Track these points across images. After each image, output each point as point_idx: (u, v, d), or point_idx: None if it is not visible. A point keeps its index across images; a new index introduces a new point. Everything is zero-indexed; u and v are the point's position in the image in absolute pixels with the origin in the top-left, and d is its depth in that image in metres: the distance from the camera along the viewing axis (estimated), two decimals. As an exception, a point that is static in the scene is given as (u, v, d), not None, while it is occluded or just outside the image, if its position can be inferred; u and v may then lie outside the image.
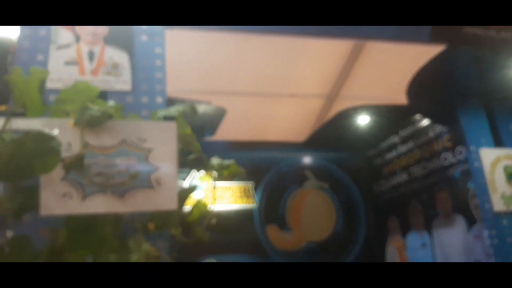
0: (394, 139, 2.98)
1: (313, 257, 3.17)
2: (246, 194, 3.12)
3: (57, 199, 0.88)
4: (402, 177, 2.95)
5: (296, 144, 3.14)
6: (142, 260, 0.97)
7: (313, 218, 3.22)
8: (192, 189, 1.01)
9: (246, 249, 3.01)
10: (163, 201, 0.92)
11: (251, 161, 3.14)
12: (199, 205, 1.09)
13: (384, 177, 3.15)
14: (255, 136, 3.02)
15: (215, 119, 2.58)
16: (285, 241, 3.14)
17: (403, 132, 2.88)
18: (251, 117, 2.68)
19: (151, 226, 0.98)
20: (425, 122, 2.67)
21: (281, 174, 3.22)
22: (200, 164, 1.12)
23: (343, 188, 3.30)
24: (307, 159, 3.30)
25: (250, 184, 3.11)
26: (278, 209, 3.16)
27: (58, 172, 0.88)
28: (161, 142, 0.95)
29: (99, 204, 0.90)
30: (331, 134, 2.96)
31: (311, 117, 2.79)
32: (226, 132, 2.76)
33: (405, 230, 2.91)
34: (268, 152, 3.24)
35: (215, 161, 1.14)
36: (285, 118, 2.79)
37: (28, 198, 1.01)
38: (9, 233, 1.09)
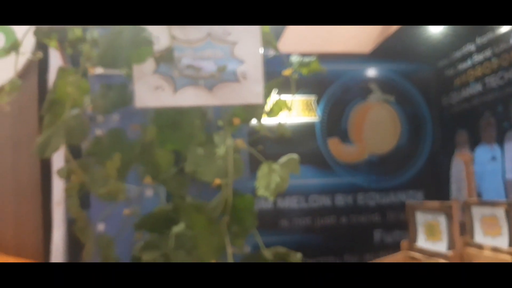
0: (470, 47, 2.79)
1: (375, 169, 3.18)
2: (308, 107, 3.11)
3: (150, 92, 0.92)
4: (476, 88, 2.79)
5: (362, 55, 3.02)
6: (230, 153, 1.00)
7: (376, 131, 3.18)
8: (276, 83, 1.01)
9: (309, 161, 3.06)
10: (249, 95, 0.94)
11: (314, 74, 3.09)
12: (279, 102, 1.10)
13: (455, 89, 3.00)
14: (318, 47, 2.93)
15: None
16: (346, 154, 3.15)
17: (480, 40, 2.69)
18: (314, 27, 2.58)
19: (236, 121, 1.01)
20: (506, 28, 2.46)
21: (344, 87, 3.15)
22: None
23: (409, 101, 3.20)
24: (372, 71, 3.19)
25: (312, 98, 3.08)
26: (341, 122, 3.14)
27: (150, 65, 0.90)
28: (245, 36, 0.94)
29: (190, 97, 0.92)
30: (399, 44, 2.81)
31: (377, 26, 2.65)
32: (287, 44, 2.69)
33: (474, 143, 2.82)
34: (331, 64, 3.15)
35: (294, 58, 1.12)
36: (350, 27, 2.66)
37: (119, 95, 1.05)
38: (100, 131, 1.16)
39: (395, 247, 2.24)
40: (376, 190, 3.15)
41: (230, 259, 0.88)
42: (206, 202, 0.93)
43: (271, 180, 0.98)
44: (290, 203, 3.05)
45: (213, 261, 0.98)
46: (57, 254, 1.32)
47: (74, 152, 1.11)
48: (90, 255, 0.98)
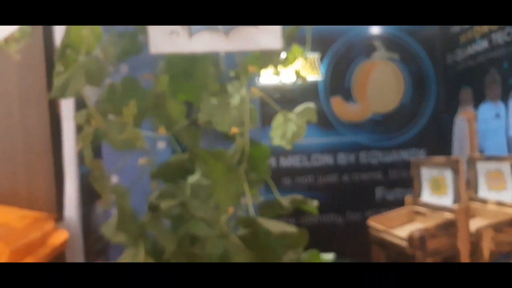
0: (478, 2, 2.72)
1: (378, 128, 3.17)
2: (311, 65, 3.06)
3: (165, 37, 0.89)
4: (482, 45, 2.76)
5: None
6: (245, 102, 0.98)
7: (380, 90, 3.16)
8: (293, 30, 0.99)
9: (312, 119, 3.04)
10: (267, 41, 0.91)
11: (317, 31, 3.03)
12: (295, 50, 1.08)
13: (460, 46, 2.96)
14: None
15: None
16: (349, 113, 3.14)
17: (489, -6, 2.62)
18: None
19: (251, 68, 0.99)
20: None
21: (348, 45, 3.10)
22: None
23: (414, 58, 3.16)
24: (376, 29, 3.13)
25: (315, 55, 3.04)
26: (344, 80, 3.11)
27: (164, 9, 0.87)
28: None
29: (205, 42, 0.90)
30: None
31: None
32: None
33: (478, 101, 2.81)
34: (335, 21, 3.08)
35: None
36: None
37: (131, 43, 1.03)
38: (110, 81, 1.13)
39: (397, 205, 2.26)
40: (378, 148, 3.16)
41: (250, 207, 0.89)
42: (224, 149, 0.92)
43: (287, 129, 0.97)
44: (293, 162, 3.07)
45: (230, 209, 0.99)
46: (71, 207, 1.33)
47: (81, 104, 1.09)
48: (108, 204, 0.98)
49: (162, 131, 1.03)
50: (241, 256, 0.82)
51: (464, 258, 1.78)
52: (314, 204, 0.97)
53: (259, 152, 0.98)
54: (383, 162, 3.10)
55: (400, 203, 2.25)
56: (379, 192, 3.08)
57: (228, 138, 1.03)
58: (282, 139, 0.97)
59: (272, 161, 2.96)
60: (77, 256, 1.23)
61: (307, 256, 1.01)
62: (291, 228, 0.82)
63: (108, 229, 1.09)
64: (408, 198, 2.19)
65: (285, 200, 0.98)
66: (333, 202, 3.01)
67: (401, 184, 3.03)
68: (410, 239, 1.76)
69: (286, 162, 3.05)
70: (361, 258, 2.04)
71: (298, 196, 0.98)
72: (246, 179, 0.92)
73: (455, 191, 1.88)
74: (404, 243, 1.79)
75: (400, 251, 1.87)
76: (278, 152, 2.94)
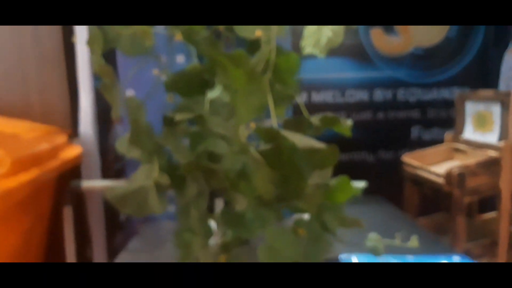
0: None
1: (419, 63, 2.96)
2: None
3: None
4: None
5: None
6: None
7: (424, 21, 2.91)
8: None
9: (348, 52, 2.87)
10: None
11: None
12: None
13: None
14: None
15: None
16: (389, 46, 2.92)
17: None
18: None
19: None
20: None
21: (392, -30, 2.83)
22: None
23: (465, -14, 2.86)
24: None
25: (355, -18, 2.80)
26: (385, 10, 2.87)
27: None
28: None
29: None
30: None
31: None
32: None
33: (533, 35, 2.55)
34: None
35: None
36: None
37: None
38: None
39: (433, 145, 2.12)
40: (418, 85, 2.96)
41: (274, 122, 0.79)
42: (246, 54, 0.81)
43: (321, 35, 0.85)
44: (326, 97, 2.92)
45: (251, 123, 0.89)
46: (86, 123, 1.27)
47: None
48: (117, 116, 0.90)
49: (178, 37, 0.92)
50: (261, 173, 0.73)
51: (505, 198, 1.66)
52: (347, 123, 0.85)
53: (287, 63, 0.86)
54: (422, 100, 2.92)
55: (436, 143, 2.12)
56: (415, 132, 2.92)
57: (252, 48, 0.91)
58: (315, 46, 0.85)
59: (304, 96, 2.83)
60: (93, 173, 1.19)
61: (335, 182, 0.91)
62: (319, 144, 0.72)
63: (122, 144, 1.02)
64: (448, 135, 2.04)
65: (315, 119, 0.87)
66: (367, 140, 2.88)
67: (439, 124, 2.85)
68: (448, 176, 1.64)
69: (318, 97, 2.90)
70: (393, 196, 1.95)
71: (329, 114, 0.87)
72: (271, 92, 0.81)
73: (502, 127, 1.72)
74: (441, 180, 1.68)
75: (436, 189, 1.76)
76: (310, 86, 2.80)
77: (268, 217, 0.84)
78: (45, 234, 1.11)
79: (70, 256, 1.11)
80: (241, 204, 0.84)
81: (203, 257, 0.81)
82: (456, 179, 1.63)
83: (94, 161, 1.19)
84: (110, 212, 1.30)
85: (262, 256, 0.79)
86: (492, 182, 1.67)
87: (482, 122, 1.82)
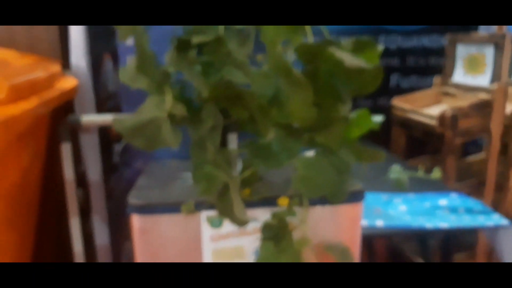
0: None
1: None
2: None
3: None
4: None
5: None
6: None
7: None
8: None
9: None
10: None
11: None
12: None
13: None
14: None
15: None
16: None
17: None
18: None
19: None
20: None
21: None
22: None
23: None
24: None
25: None
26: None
27: None
28: None
29: None
30: None
31: None
32: None
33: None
34: None
35: None
36: None
37: None
38: None
39: (411, 91, 2.13)
40: (398, 32, 2.93)
41: (310, 38, 0.73)
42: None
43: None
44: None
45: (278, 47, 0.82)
46: (78, 53, 1.15)
47: None
48: (125, 38, 0.81)
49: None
50: (300, 96, 0.67)
51: (495, 140, 1.69)
52: (379, 48, 0.80)
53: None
54: (402, 48, 2.90)
55: (413, 90, 2.13)
56: (393, 79, 2.93)
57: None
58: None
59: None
60: (87, 107, 1.09)
61: (356, 115, 0.87)
62: (365, 63, 0.67)
63: (127, 74, 0.92)
64: (436, 79, 2.04)
65: (347, 42, 0.81)
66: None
67: (417, 71, 2.87)
68: (442, 117, 1.65)
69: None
70: (376, 141, 1.95)
71: (364, 37, 0.81)
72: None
73: (494, 69, 1.73)
74: (434, 122, 1.68)
75: (426, 131, 1.77)
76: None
77: (295, 147, 0.80)
78: (44, 172, 1.03)
79: (70, 196, 1.04)
80: (267, 134, 0.79)
81: (232, 188, 0.77)
82: (449, 120, 1.63)
83: (89, 96, 1.09)
84: (107, 150, 1.22)
85: (297, 185, 0.75)
86: (483, 124, 1.69)
87: (473, 65, 1.82)
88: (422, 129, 1.81)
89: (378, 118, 0.95)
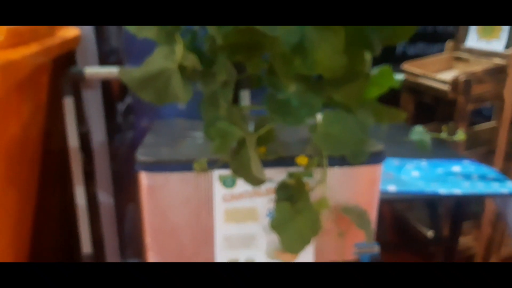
0: None
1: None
2: None
3: None
4: None
5: None
6: None
7: None
8: None
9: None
10: None
11: None
12: None
13: None
14: None
15: None
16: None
17: None
18: None
19: None
20: None
21: None
22: None
23: None
24: None
25: None
26: None
27: None
28: None
29: None
30: None
31: None
32: None
33: None
34: None
35: None
36: None
37: None
38: None
39: (417, 58, 2.07)
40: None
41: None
42: None
43: None
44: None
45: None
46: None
47: None
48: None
49: None
50: (328, 41, 0.62)
51: (508, 107, 1.64)
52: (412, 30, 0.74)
53: None
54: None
55: (420, 56, 2.07)
56: (400, 46, 2.86)
57: None
58: None
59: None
60: (90, 60, 1.03)
61: (377, 71, 0.82)
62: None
63: (133, 23, 0.86)
64: (449, 43, 1.97)
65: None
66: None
67: (425, 38, 2.79)
68: (455, 82, 1.59)
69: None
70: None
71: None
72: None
73: (510, 34, 1.67)
74: (446, 87, 1.63)
75: (438, 97, 1.72)
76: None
77: (316, 103, 0.75)
78: (45, 128, 0.98)
79: (73, 155, 0.99)
80: (288, 87, 0.74)
81: (249, 145, 0.72)
82: (462, 85, 1.58)
83: (91, 48, 1.02)
84: (110, 109, 1.17)
85: (318, 141, 0.70)
86: (496, 90, 1.64)
87: (488, 29, 1.76)
88: (432, 95, 1.76)
89: (399, 76, 0.90)
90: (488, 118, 1.92)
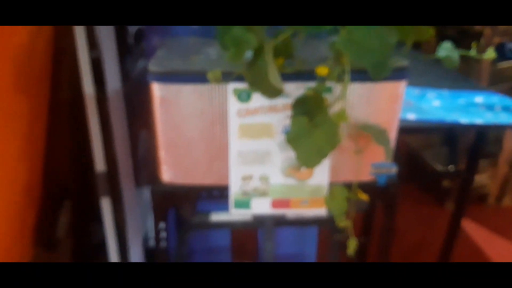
0: None
1: None
2: None
3: None
4: None
5: None
6: None
7: None
8: None
9: None
10: None
11: None
12: None
13: None
14: None
15: None
16: None
17: None
18: None
19: None
20: None
21: None
22: None
23: None
24: None
25: None
26: None
27: None
28: None
29: None
30: None
31: None
32: None
33: None
34: None
35: None
36: None
37: None
38: None
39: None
40: None
41: None
42: None
43: None
44: None
45: None
46: None
47: None
48: None
49: None
50: None
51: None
52: None
53: None
54: None
55: None
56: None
57: None
58: None
59: None
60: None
61: None
62: None
63: None
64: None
65: None
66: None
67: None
68: (483, 13, 1.51)
69: None
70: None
71: None
72: None
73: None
74: (473, 18, 1.55)
75: (462, 30, 1.64)
76: None
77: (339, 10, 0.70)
78: (52, 40, 0.95)
79: (84, 65, 0.96)
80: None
81: (266, 52, 0.68)
82: (490, 17, 1.50)
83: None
84: (121, 28, 1.13)
85: (342, 46, 0.66)
86: (525, 24, 1.55)
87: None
88: (457, 27, 1.68)
89: None
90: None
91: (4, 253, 0.94)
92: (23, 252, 1.03)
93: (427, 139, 1.87)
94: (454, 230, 1.50)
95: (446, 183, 1.82)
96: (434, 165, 1.80)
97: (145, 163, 1.29)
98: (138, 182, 1.21)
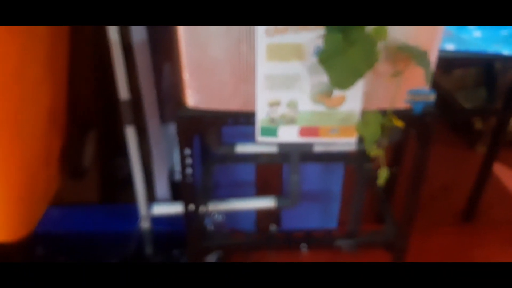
0: None
1: None
2: None
3: None
4: None
5: None
6: None
7: None
8: None
9: None
10: None
11: None
12: None
13: None
14: None
15: None
16: None
17: None
18: None
19: None
20: None
21: None
22: None
23: None
24: None
25: None
26: None
27: None
28: None
29: None
30: None
31: None
32: None
33: None
34: None
35: None
36: None
37: None
38: None
39: None
40: None
41: None
42: None
43: None
44: None
45: None
46: None
47: None
48: None
49: None
50: None
51: None
52: None
53: None
54: None
55: None
56: None
57: None
58: None
59: None
60: None
61: None
62: None
63: None
64: None
65: None
66: None
67: None
68: None
69: None
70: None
71: None
72: None
73: None
74: None
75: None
76: None
77: None
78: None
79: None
80: None
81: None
82: None
83: None
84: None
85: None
86: None
87: None
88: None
89: None
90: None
91: (31, 179, 0.95)
92: (49, 179, 1.04)
93: (461, 80, 1.78)
94: (484, 174, 1.45)
95: (478, 125, 1.75)
96: (466, 106, 1.73)
97: (169, 97, 1.26)
98: (164, 117, 1.19)
